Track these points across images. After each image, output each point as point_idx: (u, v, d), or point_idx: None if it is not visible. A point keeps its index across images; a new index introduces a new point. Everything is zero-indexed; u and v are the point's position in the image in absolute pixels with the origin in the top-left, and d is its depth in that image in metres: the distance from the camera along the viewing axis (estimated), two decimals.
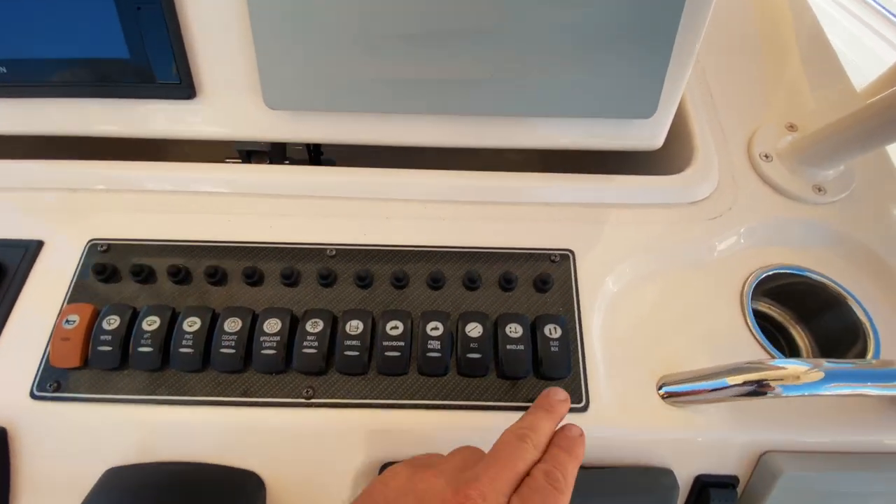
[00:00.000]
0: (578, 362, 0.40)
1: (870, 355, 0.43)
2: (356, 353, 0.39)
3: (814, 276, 0.46)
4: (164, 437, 0.39)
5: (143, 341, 0.39)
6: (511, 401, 0.40)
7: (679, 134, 0.53)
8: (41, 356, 0.40)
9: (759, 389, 0.36)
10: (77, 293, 0.42)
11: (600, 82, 0.42)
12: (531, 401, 0.37)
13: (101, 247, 0.44)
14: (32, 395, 0.38)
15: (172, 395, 0.39)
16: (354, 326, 0.40)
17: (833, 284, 0.46)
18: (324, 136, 0.47)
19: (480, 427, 0.39)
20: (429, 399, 0.39)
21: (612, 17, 0.39)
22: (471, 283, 0.43)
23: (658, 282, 0.46)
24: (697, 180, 0.49)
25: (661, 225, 0.47)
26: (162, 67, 0.43)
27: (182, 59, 0.42)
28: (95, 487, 0.37)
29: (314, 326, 0.40)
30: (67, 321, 0.39)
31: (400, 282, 0.43)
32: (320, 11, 0.39)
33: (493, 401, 0.40)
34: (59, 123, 0.46)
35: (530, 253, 0.45)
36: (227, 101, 0.45)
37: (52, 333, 0.40)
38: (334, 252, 0.45)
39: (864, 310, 0.45)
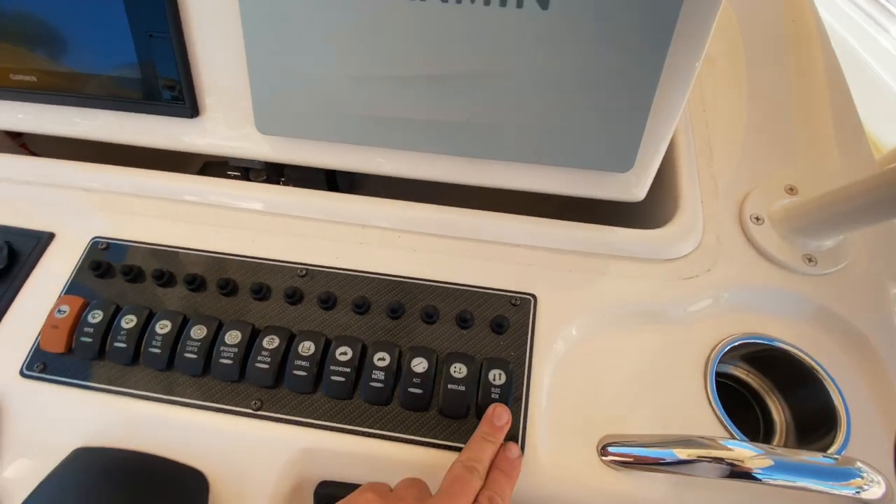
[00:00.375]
0: (520, 411, 0.41)
1: (836, 445, 0.40)
2: (304, 374, 0.41)
3: (789, 350, 0.44)
4: (127, 427, 0.42)
5: (118, 338, 0.43)
6: (449, 440, 0.40)
7: (667, 185, 0.51)
8: (34, 339, 0.44)
9: (699, 467, 0.35)
10: (74, 285, 0.47)
11: (577, 134, 0.42)
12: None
13: (102, 245, 0.49)
14: (21, 373, 0.43)
15: (139, 389, 0.42)
16: (307, 347, 0.42)
17: (809, 360, 0.44)
18: (309, 161, 0.49)
19: (416, 462, 0.40)
20: (368, 426, 0.40)
21: (590, 71, 0.39)
22: (428, 318, 0.44)
23: (620, 339, 0.45)
24: (676, 237, 0.47)
25: (631, 279, 0.47)
26: (168, 88, 0.47)
27: (187, 82, 0.46)
28: (62, 463, 0.41)
29: (270, 343, 0.42)
30: (59, 311, 0.44)
31: (360, 308, 0.45)
32: (310, 50, 0.41)
33: (431, 437, 0.40)
34: (78, 128, 0.51)
35: (493, 293, 0.46)
36: (224, 123, 0.48)
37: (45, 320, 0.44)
38: (305, 272, 0.47)
39: (840, 393, 0.42)
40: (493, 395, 0.40)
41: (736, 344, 0.44)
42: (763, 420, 0.49)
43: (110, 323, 0.43)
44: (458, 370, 0.41)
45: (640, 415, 0.42)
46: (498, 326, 0.44)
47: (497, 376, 0.41)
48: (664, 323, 0.46)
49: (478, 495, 0.33)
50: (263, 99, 0.44)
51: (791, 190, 0.50)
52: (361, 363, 0.42)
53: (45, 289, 0.47)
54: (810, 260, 0.46)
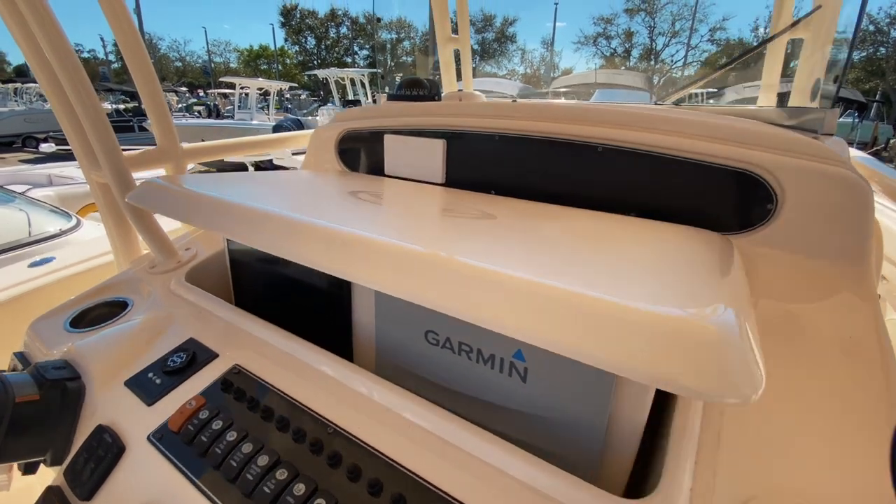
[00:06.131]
0: None
1: None
2: (268, 491, 0.54)
3: None
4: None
5: (204, 436, 0.63)
6: None
7: (660, 467, 0.52)
8: (168, 416, 0.68)
9: None
10: (206, 389, 0.71)
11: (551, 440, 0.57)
12: None
13: (236, 370, 0.74)
14: (147, 438, 0.66)
15: (202, 482, 0.59)
16: (280, 473, 0.55)
17: None
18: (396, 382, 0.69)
19: None
20: None
21: (546, 420, 0.58)
22: (370, 488, 0.52)
23: None
24: None
25: None
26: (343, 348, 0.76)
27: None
28: None
29: (262, 460, 0.57)
30: (189, 403, 0.67)
31: (331, 459, 0.56)
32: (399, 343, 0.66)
33: None
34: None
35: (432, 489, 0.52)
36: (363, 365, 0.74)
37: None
38: (332, 430, 0.62)
39: None
40: None
41: None
42: None
43: (206, 425, 0.64)
44: None
45: None
46: None
47: None
48: None
49: None
50: (381, 355, 0.71)
51: None
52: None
53: (194, 387, 0.72)
54: None
